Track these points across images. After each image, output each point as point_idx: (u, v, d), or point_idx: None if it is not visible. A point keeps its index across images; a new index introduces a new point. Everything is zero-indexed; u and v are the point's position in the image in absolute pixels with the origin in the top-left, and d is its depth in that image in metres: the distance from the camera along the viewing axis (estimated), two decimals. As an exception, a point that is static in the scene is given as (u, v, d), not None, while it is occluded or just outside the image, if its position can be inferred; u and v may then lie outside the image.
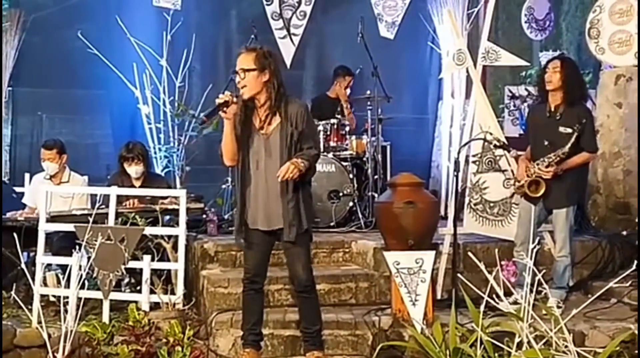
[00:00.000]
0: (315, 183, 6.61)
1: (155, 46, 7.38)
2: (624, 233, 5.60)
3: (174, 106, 7.44)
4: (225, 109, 3.97)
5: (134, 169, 5.88)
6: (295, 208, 4.06)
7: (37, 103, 7.64)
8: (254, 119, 4.11)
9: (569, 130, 4.82)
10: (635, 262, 3.84)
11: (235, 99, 3.99)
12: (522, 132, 8.03)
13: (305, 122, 4.08)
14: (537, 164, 4.89)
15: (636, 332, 3.46)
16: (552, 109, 4.97)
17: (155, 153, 7.40)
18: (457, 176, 4.96)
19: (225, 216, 6.95)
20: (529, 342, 3.54)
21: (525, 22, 8.22)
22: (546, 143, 4.92)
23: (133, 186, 5.87)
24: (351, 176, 6.83)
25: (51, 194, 5.50)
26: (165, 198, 5.58)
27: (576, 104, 4.93)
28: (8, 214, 5.63)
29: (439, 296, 5.15)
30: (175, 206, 5.35)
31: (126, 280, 5.36)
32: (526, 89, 8.23)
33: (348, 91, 7.62)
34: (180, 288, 5.09)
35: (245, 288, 4.33)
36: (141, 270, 5.07)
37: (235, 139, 4.08)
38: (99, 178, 6.64)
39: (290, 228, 4.07)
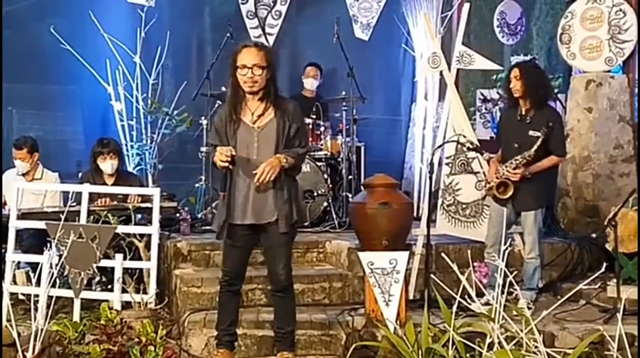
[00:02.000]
0: (289, 182, 6.66)
1: (128, 42, 7.31)
2: (593, 235, 5.68)
3: (147, 103, 7.39)
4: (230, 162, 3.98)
5: (110, 164, 5.81)
6: (288, 199, 4.07)
7: (8, 98, 7.50)
8: (244, 113, 4.09)
9: (538, 133, 4.89)
10: (606, 265, 3.93)
11: (234, 152, 3.98)
12: (493, 135, 8.13)
13: (300, 120, 4.18)
14: (506, 167, 4.96)
15: (605, 333, 3.51)
16: (523, 113, 5.04)
17: (127, 150, 7.34)
18: (431, 178, 5.00)
19: (199, 215, 6.93)
20: (500, 343, 3.57)
21: (497, 26, 8.31)
22: (516, 145, 4.99)
23: (105, 183, 5.81)
24: (325, 176, 6.85)
25: (23, 191, 5.44)
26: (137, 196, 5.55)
27: (545, 108, 5.01)
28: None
29: (411, 297, 5.18)
30: (148, 205, 5.32)
31: (97, 278, 5.31)
32: (497, 93, 8.31)
33: (314, 82, 7.59)
34: (152, 288, 5.05)
35: (223, 290, 4.29)
36: (113, 268, 5.03)
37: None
38: (69, 174, 6.56)
39: (283, 219, 4.04)
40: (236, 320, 4.39)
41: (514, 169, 4.90)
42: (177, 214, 6.28)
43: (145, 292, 5.04)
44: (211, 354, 4.62)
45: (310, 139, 7.04)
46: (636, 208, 5.32)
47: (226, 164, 3.95)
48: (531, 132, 4.94)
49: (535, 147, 4.85)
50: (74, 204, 5.29)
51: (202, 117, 7.05)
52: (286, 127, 4.05)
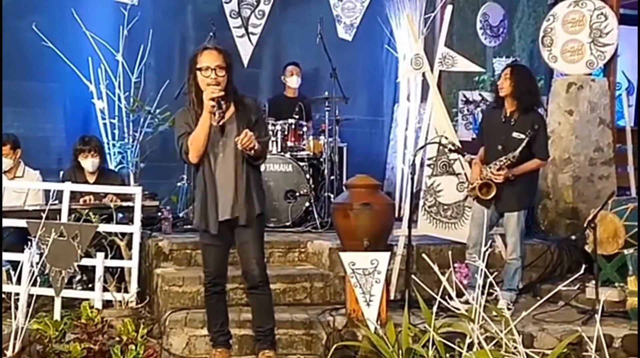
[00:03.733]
0: (272, 182, 6.68)
1: (111, 40, 7.27)
2: (573, 237, 5.73)
3: (129, 101, 7.36)
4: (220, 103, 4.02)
5: (90, 162, 5.79)
6: (247, 191, 4.09)
7: (-13, 96, 7.46)
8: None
9: (522, 136, 4.93)
10: (585, 266, 3.97)
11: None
12: (475, 136, 8.19)
13: (258, 113, 4.25)
14: (489, 168, 4.99)
15: (583, 334, 3.55)
16: (507, 115, 5.08)
17: (109, 148, 7.29)
18: (412, 179, 5.02)
19: (180, 214, 6.91)
20: (479, 343, 3.60)
21: (480, 28, 8.36)
22: (500, 147, 5.02)
23: (87, 181, 5.79)
24: (308, 176, 6.86)
25: (4, 189, 5.40)
26: (117, 195, 5.53)
27: (530, 111, 5.05)
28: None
29: (392, 297, 5.20)
30: (130, 204, 5.31)
31: (78, 277, 5.28)
32: (480, 94, 8.36)
33: (298, 79, 7.58)
34: (133, 286, 5.04)
35: (208, 291, 4.31)
36: (94, 267, 5.01)
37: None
38: (50, 172, 6.52)
39: (245, 212, 4.08)
40: (227, 319, 4.40)
41: (498, 170, 4.94)
42: (159, 213, 6.26)
43: (126, 291, 5.02)
44: (192, 353, 4.64)
45: (293, 139, 7.06)
46: (615, 211, 5.38)
47: (218, 94, 3.96)
48: (515, 134, 4.98)
49: (520, 148, 4.89)
50: (56, 202, 5.26)
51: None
52: (245, 119, 4.10)
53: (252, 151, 4.00)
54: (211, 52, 4.07)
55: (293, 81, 7.58)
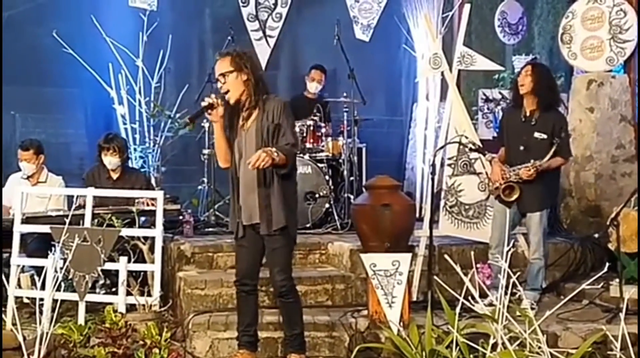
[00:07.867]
0: (291, 184, 6.67)
1: (131, 46, 7.34)
2: (596, 235, 5.68)
3: (150, 106, 7.42)
4: (210, 111, 4.05)
5: (109, 160, 5.85)
6: (268, 201, 4.06)
7: (10, 101, 7.53)
8: (239, 118, 4.15)
9: (544, 136, 4.90)
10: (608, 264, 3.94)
11: (220, 102, 4.04)
12: (495, 135, 8.14)
13: (282, 117, 4.07)
14: (514, 170, 4.95)
15: (608, 333, 3.53)
16: (528, 114, 5.04)
17: (130, 153, 7.35)
18: (433, 179, 5.00)
19: (202, 218, 6.95)
20: (503, 343, 3.59)
21: (499, 26, 8.32)
22: (522, 148, 4.98)
23: (110, 177, 5.89)
24: (327, 177, 6.85)
25: (27, 194, 5.46)
26: (142, 198, 5.57)
27: (551, 110, 5.01)
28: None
29: (414, 298, 5.19)
30: (152, 208, 5.34)
31: (101, 281, 5.33)
32: (500, 93, 8.32)
33: (318, 86, 7.56)
34: (156, 290, 5.06)
35: (237, 291, 4.34)
36: (117, 271, 5.04)
37: (226, 141, 4.15)
38: (72, 177, 6.56)
39: (265, 222, 4.07)
40: (254, 320, 4.36)
41: (528, 171, 4.88)
42: (181, 217, 6.30)
43: (149, 295, 5.05)
44: (215, 356, 4.65)
45: (312, 140, 7.04)
46: (638, 208, 5.33)
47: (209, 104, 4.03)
48: (537, 135, 4.94)
49: (548, 156, 4.84)
50: (77, 206, 5.31)
51: (205, 120, 7.07)
52: (264, 126, 4.06)
53: (271, 165, 3.93)
54: (218, 61, 4.11)
55: (312, 87, 7.52)
